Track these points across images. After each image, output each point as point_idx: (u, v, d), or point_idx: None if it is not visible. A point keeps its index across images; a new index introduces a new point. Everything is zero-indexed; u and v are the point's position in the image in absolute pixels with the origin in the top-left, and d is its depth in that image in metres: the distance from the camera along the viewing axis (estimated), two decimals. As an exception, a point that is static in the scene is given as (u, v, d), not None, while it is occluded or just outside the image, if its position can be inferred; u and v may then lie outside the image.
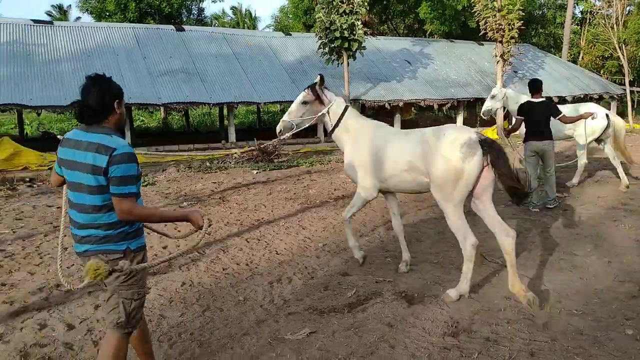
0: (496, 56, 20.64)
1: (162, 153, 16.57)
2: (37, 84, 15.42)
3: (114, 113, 2.73)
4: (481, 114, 10.21)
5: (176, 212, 3.06)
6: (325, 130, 5.51)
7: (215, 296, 4.54)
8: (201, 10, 33.28)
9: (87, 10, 27.17)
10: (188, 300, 4.45)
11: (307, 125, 5.10)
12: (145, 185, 10.62)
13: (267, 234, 6.55)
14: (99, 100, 2.68)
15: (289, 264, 5.38)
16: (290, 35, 23.90)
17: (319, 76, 5.03)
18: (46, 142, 17.97)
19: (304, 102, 5.01)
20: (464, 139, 4.06)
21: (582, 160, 8.89)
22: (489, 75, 23.31)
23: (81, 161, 2.63)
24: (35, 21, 18.46)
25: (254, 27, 44.87)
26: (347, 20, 17.00)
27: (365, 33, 18.09)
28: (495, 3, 19.44)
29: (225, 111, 21.71)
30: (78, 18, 44.73)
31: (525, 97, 8.11)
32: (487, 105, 9.60)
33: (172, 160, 14.98)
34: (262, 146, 13.62)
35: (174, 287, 4.76)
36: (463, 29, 30.29)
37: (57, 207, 8.36)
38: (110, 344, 2.78)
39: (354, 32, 17.26)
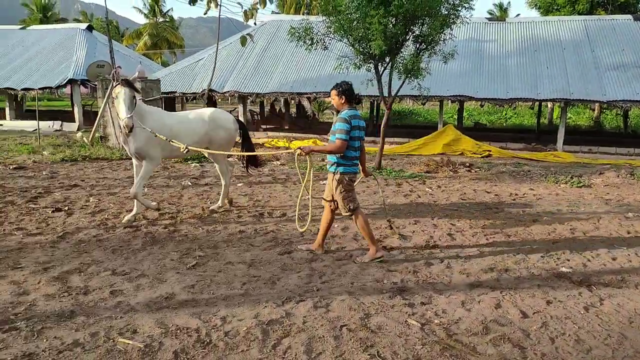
0: None
1: (595, 154, 15.26)
2: (484, 78, 16.65)
3: None
4: None
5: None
6: None
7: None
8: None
9: (535, 5, 27.39)
10: (655, 329, 3.85)
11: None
12: (580, 187, 9.99)
13: None
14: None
15: None
16: None
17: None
18: (478, 132, 19.38)
19: (134, 96, 6.02)
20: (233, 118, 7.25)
21: None
22: None
23: (363, 125, 5.16)
24: (489, 19, 19.89)
25: None
26: None
27: None
28: None
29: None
30: (517, 15, 45.79)
31: None
32: None
33: (606, 164, 13.58)
34: None
35: (632, 306, 4.22)
36: None
37: (463, 192, 8.80)
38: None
39: None
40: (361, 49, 10.76)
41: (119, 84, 5.95)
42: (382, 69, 11.24)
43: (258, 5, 14.49)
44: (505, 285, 4.65)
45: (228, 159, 7.64)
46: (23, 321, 3.70)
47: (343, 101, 5.13)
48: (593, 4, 24.93)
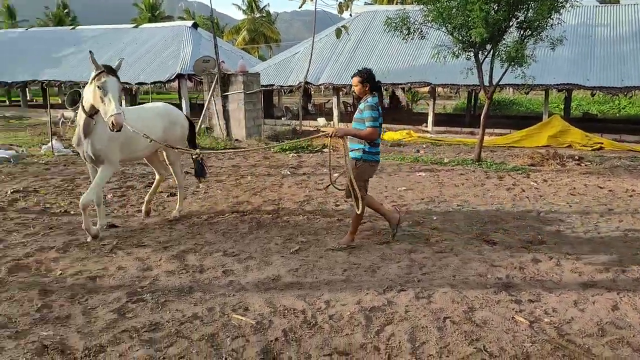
0: None
1: None
2: (595, 65, 15.43)
3: None
4: None
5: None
6: None
7: None
8: None
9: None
10: None
11: None
12: None
13: None
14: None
15: None
16: None
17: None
18: (588, 123, 18.00)
19: (122, 88, 5.46)
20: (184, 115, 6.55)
21: None
22: None
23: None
24: (600, 2, 18.36)
25: None
26: None
27: None
28: None
29: None
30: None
31: None
32: None
33: None
34: None
35: None
36: None
37: (609, 190, 8.21)
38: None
39: None
40: (460, 37, 10.43)
41: (102, 71, 4.77)
42: (483, 57, 10.81)
43: (353, -3, 14.56)
44: (622, 287, 4.34)
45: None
46: (148, 294, 4.09)
47: (367, 88, 5.12)
48: None
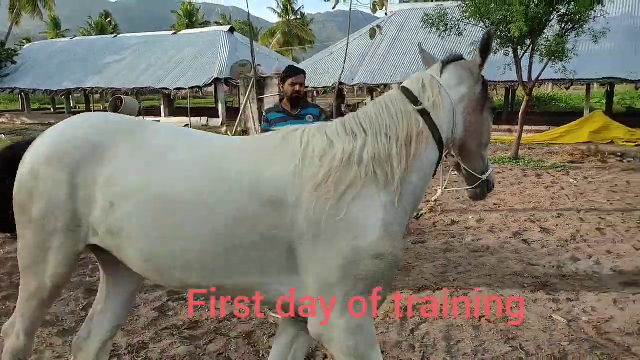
0: None
1: None
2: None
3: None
4: None
5: None
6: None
7: None
8: None
9: None
10: None
11: None
12: None
13: None
14: None
15: None
16: None
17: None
18: (632, 118, 17.32)
19: None
20: None
21: None
22: None
23: None
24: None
25: None
26: None
27: None
28: None
29: None
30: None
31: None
32: None
33: None
34: None
35: None
36: None
37: (655, 187, 7.93)
38: None
39: None
40: (499, 33, 10.29)
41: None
42: (522, 52, 10.62)
43: (388, -4, 14.53)
44: (667, 287, 4.21)
45: None
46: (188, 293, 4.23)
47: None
48: None
